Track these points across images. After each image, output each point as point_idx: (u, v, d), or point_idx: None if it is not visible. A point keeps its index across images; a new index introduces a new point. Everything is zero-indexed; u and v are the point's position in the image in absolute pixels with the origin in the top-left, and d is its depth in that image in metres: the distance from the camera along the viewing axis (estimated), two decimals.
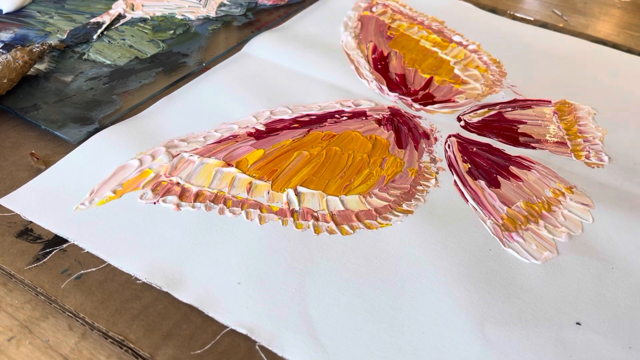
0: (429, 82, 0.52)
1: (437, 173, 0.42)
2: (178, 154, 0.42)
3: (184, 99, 0.48)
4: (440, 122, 0.47)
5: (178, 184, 0.40)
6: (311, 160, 0.43)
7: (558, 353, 0.31)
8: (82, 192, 0.39)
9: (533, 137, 0.46)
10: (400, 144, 0.45)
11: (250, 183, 0.40)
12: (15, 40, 0.55)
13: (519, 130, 0.46)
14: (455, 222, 0.38)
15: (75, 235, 0.36)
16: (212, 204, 0.39)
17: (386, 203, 0.39)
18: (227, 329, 0.31)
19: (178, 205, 0.38)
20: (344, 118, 0.47)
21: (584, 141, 0.46)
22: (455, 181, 0.42)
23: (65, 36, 0.56)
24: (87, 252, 0.35)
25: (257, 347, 0.31)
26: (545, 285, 0.34)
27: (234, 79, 0.51)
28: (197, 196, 0.39)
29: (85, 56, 0.53)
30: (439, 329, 0.32)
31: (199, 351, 0.30)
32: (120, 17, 0.59)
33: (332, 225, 0.37)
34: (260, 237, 0.37)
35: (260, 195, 0.39)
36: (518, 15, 0.63)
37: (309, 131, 0.45)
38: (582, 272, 0.35)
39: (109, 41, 0.55)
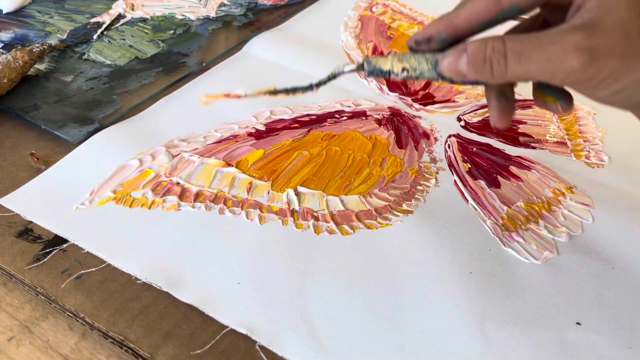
0: (429, 82, 0.52)
1: (437, 173, 0.42)
2: (178, 154, 0.42)
3: (184, 99, 0.48)
4: (440, 122, 0.47)
5: (178, 184, 0.40)
6: (311, 160, 0.43)
7: (558, 353, 0.31)
8: (82, 192, 0.39)
9: (533, 137, 0.46)
10: (400, 144, 0.45)
11: (250, 183, 0.40)
12: (15, 40, 0.55)
13: (519, 130, 0.46)
14: (455, 222, 0.38)
15: (75, 235, 0.36)
16: (212, 204, 0.39)
17: (386, 203, 0.39)
18: (227, 329, 0.31)
19: (178, 205, 0.38)
20: (344, 118, 0.47)
21: (584, 141, 0.46)
22: (455, 181, 0.42)
23: (65, 36, 0.56)
24: (87, 252, 0.35)
25: (257, 347, 0.31)
26: (546, 285, 0.34)
27: (234, 79, 0.51)
28: (197, 196, 0.39)
29: (85, 56, 0.53)
30: (439, 329, 0.32)
31: (198, 351, 0.30)
32: (120, 17, 0.59)
33: (332, 225, 0.37)
34: (260, 237, 0.36)
35: (260, 195, 0.39)
36: None
37: (309, 131, 0.45)
38: (582, 272, 0.35)
39: (109, 41, 0.55)
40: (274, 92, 0.35)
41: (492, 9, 0.29)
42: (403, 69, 0.30)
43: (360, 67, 0.31)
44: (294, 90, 0.34)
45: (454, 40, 0.30)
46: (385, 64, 0.30)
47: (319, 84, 0.33)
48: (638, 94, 0.27)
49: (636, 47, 0.26)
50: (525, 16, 0.32)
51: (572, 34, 0.26)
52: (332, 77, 0.33)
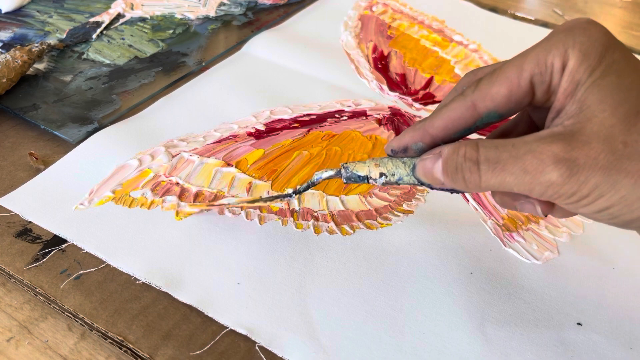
0: (430, 81, 0.52)
1: None
2: (177, 154, 0.42)
3: (184, 98, 0.48)
4: None
5: (177, 183, 0.40)
6: (311, 160, 0.42)
7: (559, 353, 0.31)
8: (81, 192, 0.39)
9: None
10: None
11: (250, 183, 0.40)
12: (14, 39, 0.55)
13: None
14: (456, 222, 0.38)
15: (75, 235, 0.36)
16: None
17: (386, 203, 0.39)
18: (227, 329, 0.31)
19: (178, 205, 0.38)
20: (344, 118, 0.47)
21: None
22: None
23: (65, 36, 0.55)
24: (87, 252, 0.35)
25: (256, 347, 0.31)
26: (546, 286, 0.34)
27: (233, 78, 0.51)
28: (197, 196, 0.39)
29: (85, 56, 0.53)
30: (439, 329, 0.32)
31: (198, 352, 0.30)
32: (119, 16, 0.59)
33: (332, 225, 0.37)
34: (260, 237, 0.36)
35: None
36: (519, 14, 0.63)
37: (309, 131, 0.45)
38: (583, 272, 0.35)
39: (109, 41, 0.55)
40: (255, 201, 0.37)
41: (469, 116, 0.27)
42: (381, 174, 0.29)
43: (338, 173, 0.31)
44: (272, 199, 0.36)
45: (431, 148, 0.28)
46: (363, 169, 0.30)
47: (298, 192, 0.34)
48: (626, 212, 0.24)
49: (622, 160, 0.24)
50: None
51: (549, 143, 0.24)
52: (311, 184, 0.33)
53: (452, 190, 0.28)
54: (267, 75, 0.52)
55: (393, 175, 0.29)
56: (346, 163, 0.30)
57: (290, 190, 0.34)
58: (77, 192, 0.39)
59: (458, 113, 0.27)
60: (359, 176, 0.30)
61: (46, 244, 0.35)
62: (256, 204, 0.38)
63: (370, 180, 0.30)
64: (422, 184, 0.28)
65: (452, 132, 0.28)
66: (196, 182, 0.40)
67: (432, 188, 0.28)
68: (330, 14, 0.61)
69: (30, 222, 0.37)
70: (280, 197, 0.36)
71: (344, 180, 0.30)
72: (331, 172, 0.31)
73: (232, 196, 0.39)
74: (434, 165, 0.27)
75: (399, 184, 0.29)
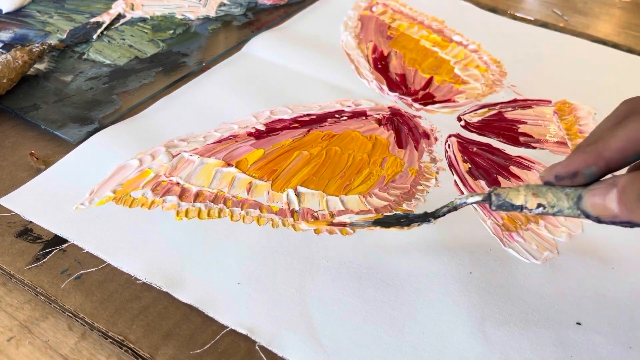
0: (429, 81, 0.52)
1: (437, 173, 0.42)
2: (178, 154, 0.42)
3: (184, 98, 0.48)
4: (440, 122, 0.47)
5: (178, 183, 0.40)
6: (311, 160, 0.43)
7: (558, 353, 0.31)
8: (81, 192, 0.39)
9: (533, 137, 0.46)
10: (400, 143, 0.45)
11: (250, 183, 0.40)
12: (15, 40, 0.55)
13: (519, 130, 0.46)
14: (456, 222, 0.38)
15: (75, 235, 0.36)
16: (212, 204, 0.39)
17: (386, 203, 0.39)
18: (227, 329, 0.31)
19: (178, 205, 0.38)
20: (344, 118, 0.47)
21: None
22: (455, 181, 0.41)
23: (65, 36, 0.56)
24: (87, 252, 0.35)
25: (257, 347, 0.31)
26: (546, 285, 0.34)
27: (233, 78, 0.51)
28: (197, 196, 0.39)
29: (85, 56, 0.53)
30: (439, 329, 0.32)
31: (198, 351, 0.30)
32: (120, 16, 0.59)
33: None
34: (260, 237, 0.36)
35: (260, 196, 0.39)
36: (518, 15, 0.63)
37: (309, 131, 0.45)
38: (582, 272, 0.35)
39: (109, 41, 0.55)
40: (380, 222, 0.33)
41: None
42: (539, 205, 0.27)
43: (486, 199, 0.28)
44: (408, 223, 0.33)
45: (604, 174, 0.26)
46: (517, 198, 0.27)
47: (437, 216, 0.31)
48: None
49: None
50: None
51: None
52: (453, 209, 0.30)
53: (625, 224, 0.25)
54: (267, 75, 0.52)
55: (552, 207, 0.27)
56: (496, 189, 0.28)
57: (427, 213, 0.32)
58: (77, 192, 0.39)
59: (639, 132, 0.25)
60: (512, 205, 0.28)
61: (47, 244, 0.36)
62: (386, 227, 0.34)
63: (524, 210, 0.27)
64: (587, 216, 0.26)
65: (630, 154, 0.25)
66: (196, 182, 0.40)
67: (599, 222, 0.26)
68: (330, 14, 0.61)
69: (30, 222, 0.37)
70: (417, 220, 0.33)
71: (493, 208, 0.28)
72: (478, 198, 0.29)
73: (356, 214, 0.35)
74: (606, 195, 0.25)
75: (555, 215, 0.27)
